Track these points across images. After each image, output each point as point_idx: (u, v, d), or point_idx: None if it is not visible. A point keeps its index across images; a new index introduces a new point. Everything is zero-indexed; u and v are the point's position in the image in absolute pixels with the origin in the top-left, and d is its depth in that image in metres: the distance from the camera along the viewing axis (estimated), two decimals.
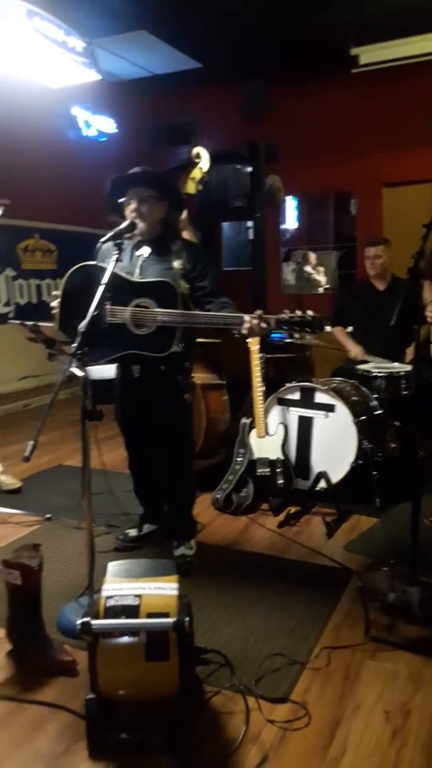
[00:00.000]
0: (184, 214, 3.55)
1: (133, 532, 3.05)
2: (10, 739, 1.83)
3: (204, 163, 3.77)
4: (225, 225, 7.04)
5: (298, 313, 2.29)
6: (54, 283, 6.38)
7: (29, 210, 5.61)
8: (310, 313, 2.29)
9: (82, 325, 2.22)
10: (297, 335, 2.33)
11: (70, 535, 3.16)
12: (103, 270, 2.33)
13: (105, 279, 2.29)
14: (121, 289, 2.43)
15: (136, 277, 2.58)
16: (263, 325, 2.34)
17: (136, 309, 2.49)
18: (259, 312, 2.36)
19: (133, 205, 2.57)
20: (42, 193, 5.95)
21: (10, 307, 5.96)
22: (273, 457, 3.41)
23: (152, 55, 5.61)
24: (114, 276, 2.25)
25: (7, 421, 5.08)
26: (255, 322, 2.35)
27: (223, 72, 5.88)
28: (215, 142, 5.90)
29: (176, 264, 2.61)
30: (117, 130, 6.47)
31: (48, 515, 3.36)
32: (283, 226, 6.77)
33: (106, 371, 2.41)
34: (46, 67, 3.58)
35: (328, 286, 6.68)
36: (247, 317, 2.38)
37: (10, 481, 3.79)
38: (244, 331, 2.39)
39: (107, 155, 6.21)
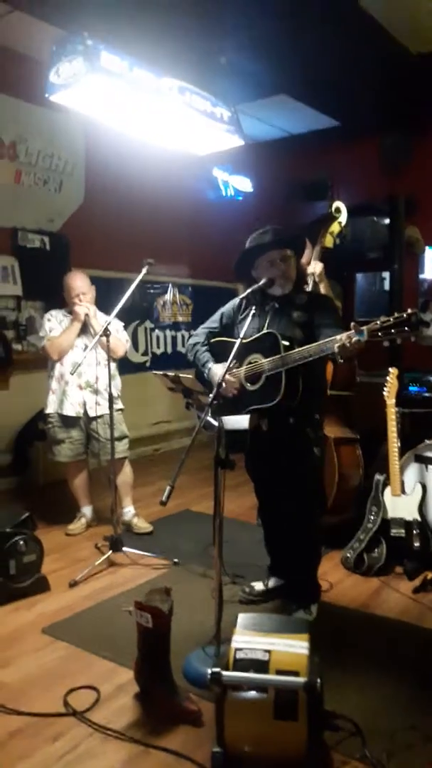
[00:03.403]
0: (320, 268, 3.59)
1: (259, 586, 3.01)
2: None
3: (343, 217, 3.81)
4: (359, 276, 7.01)
5: (395, 314, 2.12)
6: (188, 334, 6.65)
7: (169, 266, 5.92)
8: (409, 310, 2.11)
9: (219, 376, 2.33)
10: (398, 340, 2.15)
11: (195, 581, 3.19)
12: (228, 344, 2.49)
13: (242, 331, 2.41)
14: (236, 353, 2.46)
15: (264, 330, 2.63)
16: (354, 339, 2.19)
17: (247, 367, 2.61)
18: (352, 324, 2.21)
19: (274, 269, 2.61)
20: (180, 251, 6.27)
21: (148, 356, 6.27)
22: (409, 517, 3.25)
23: (291, 117, 5.79)
24: (228, 343, 2.36)
25: (139, 465, 5.25)
26: (344, 340, 2.22)
27: (361, 127, 5.94)
28: (352, 196, 5.95)
29: (296, 314, 2.61)
30: (252, 189, 6.72)
31: (175, 560, 3.41)
32: (421, 276, 6.63)
33: (241, 422, 2.46)
34: (195, 136, 3.81)
35: None
36: (337, 337, 2.25)
37: (143, 525, 3.91)
38: (338, 351, 2.25)
39: (241, 213, 6.44)
